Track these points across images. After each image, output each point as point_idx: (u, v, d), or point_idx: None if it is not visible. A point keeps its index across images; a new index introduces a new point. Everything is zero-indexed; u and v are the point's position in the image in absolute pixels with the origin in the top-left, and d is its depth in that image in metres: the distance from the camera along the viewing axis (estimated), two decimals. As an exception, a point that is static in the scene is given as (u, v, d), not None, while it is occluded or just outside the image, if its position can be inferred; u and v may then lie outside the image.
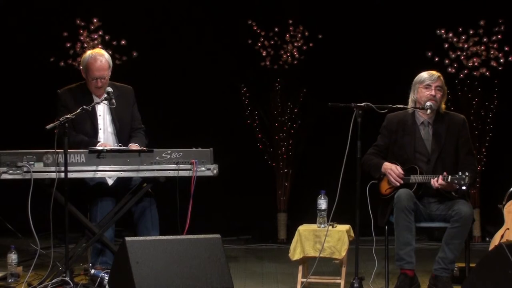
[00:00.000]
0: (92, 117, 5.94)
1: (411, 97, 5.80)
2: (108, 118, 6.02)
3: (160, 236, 4.96)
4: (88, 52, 6.01)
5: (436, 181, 5.54)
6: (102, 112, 6.00)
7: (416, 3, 8.16)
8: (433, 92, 5.71)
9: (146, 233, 5.72)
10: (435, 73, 5.78)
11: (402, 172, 5.68)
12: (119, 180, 5.84)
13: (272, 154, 8.22)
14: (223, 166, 5.75)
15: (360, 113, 5.42)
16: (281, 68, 8.16)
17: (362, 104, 5.45)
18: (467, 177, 5.46)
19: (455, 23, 7.95)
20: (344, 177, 5.47)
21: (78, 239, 5.90)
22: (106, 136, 5.98)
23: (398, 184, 5.67)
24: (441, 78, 5.79)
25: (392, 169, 5.69)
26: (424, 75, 5.78)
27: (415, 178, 5.65)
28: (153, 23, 8.37)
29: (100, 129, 5.98)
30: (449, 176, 5.51)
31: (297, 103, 8.17)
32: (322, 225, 5.82)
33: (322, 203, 5.82)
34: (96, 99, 5.92)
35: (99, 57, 5.92)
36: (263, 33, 8.13)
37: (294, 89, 8.16)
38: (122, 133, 6.02)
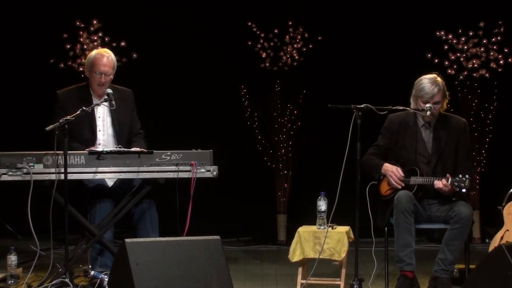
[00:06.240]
0: (90, 119, 5.93)
1: (412, 100, 5.77)
2: (108, 120, 6.01)
3: (160, 238, 4.96)
4: (95, 50, 6.06)
5: (441, 182, 5.52)
6: (102, 114, 6.00)
7: (416, 4, 8.16)
8: (431, 109, 5.66)
9: (145, 235, 5.72)
10: (435, 86, 5.61)
11: (402, 174, 5.68)
12: (118, 182, 5.84)
13: (272, 156, 8.21)
14: (223, 168, 5.74)
15: (359, 115, 5.41)
16: (280, 70, 8.15)
17: (362, 106, 5.44)
18: (467, 180, 5.46)
19: (455, 25, 7.94)
20: (343, 178, 5.46)
21: (77, 240, 5.90)
22: (106, 138, 5.98)
23: (400, 187, 5.66)
24: (441, 86, 5.66)
25: (393, 172, 5.68)
26: (424, 87, 5.61)
27: (415, 180, 5.65)
28: (152, 25, 8.36)
29: (100, 130, 5.98)
30: (450, 179, 5.51)
31: (297, 104, 8.16)
32: (321, 227, 5.81)
33: (322, 205, 5.82)
34: (95, 101, 5.93)
35: (107, 54, 5.97)
36: (262, 35, 8.12)
37: (293, 91, 8.15)
38: (122, 135, 6.02)
